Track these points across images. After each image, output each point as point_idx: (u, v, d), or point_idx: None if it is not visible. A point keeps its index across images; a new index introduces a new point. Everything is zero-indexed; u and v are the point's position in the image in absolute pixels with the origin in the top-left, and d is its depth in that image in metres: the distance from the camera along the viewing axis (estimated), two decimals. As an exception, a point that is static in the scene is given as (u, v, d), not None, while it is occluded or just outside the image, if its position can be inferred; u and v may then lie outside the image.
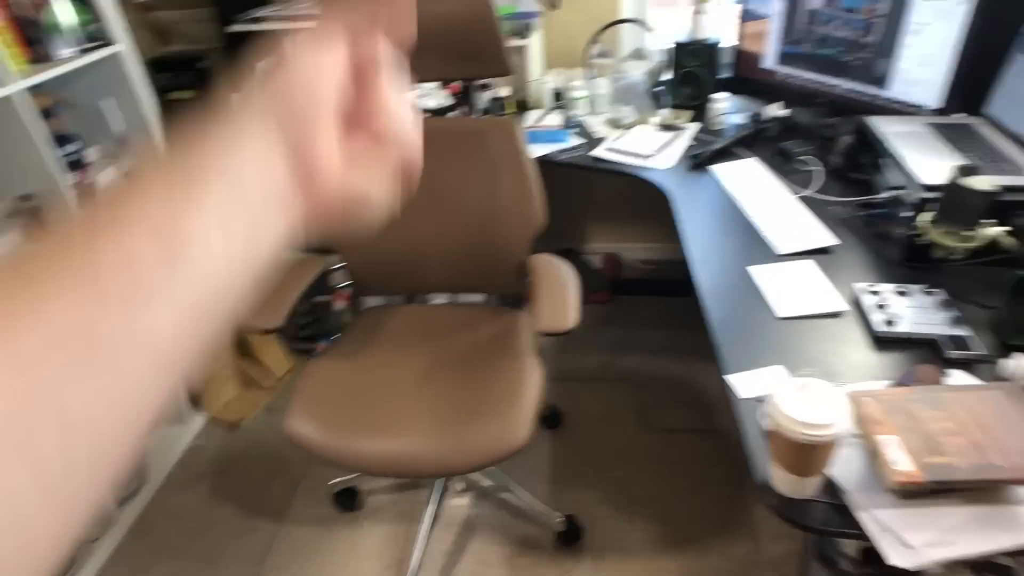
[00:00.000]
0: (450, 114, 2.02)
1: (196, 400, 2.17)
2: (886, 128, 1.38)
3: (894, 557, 0.75)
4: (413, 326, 1.67)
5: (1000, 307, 1.05)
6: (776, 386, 0.77)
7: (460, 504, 1.84)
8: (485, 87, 2.09)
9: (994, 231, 1.09)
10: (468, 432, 1.31)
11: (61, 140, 1.64)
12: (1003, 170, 1.19)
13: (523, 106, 2.16)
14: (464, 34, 1.36)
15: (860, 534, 0.79)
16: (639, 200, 2.56)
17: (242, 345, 2.26)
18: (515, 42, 2.03)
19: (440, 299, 2.08)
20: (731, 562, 1.64)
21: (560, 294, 1.34)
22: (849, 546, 1.25)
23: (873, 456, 0.78)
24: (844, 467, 0.84)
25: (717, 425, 1.99)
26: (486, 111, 2.04)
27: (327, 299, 2.34)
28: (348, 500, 1.85)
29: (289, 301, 1.44)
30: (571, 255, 1.50)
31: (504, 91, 2.10)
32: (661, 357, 2.28)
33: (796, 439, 0.74)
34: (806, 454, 0.75)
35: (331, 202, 0.27)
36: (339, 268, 1.67)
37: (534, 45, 2.12)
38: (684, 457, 1.91)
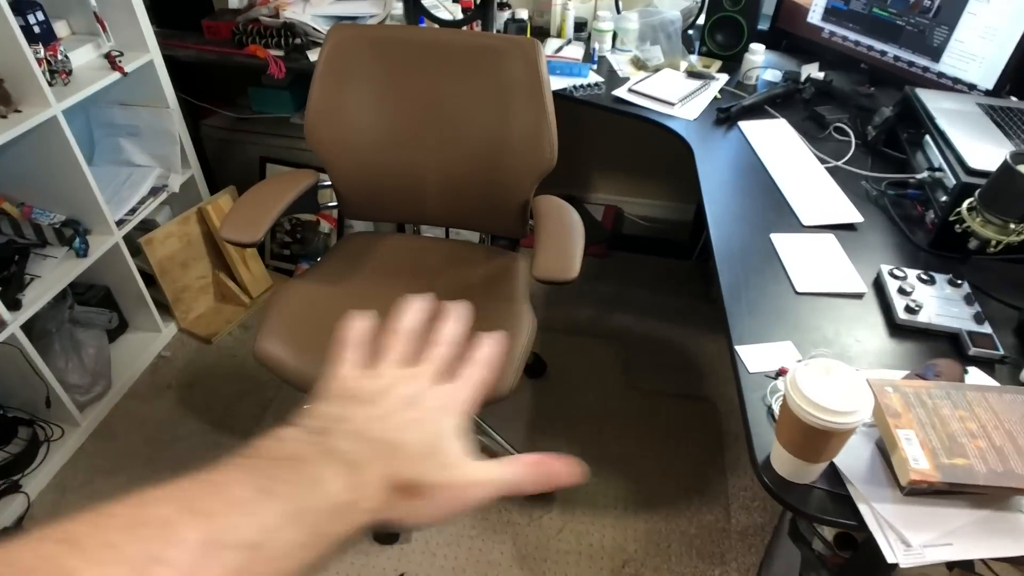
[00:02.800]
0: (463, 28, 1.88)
1: (168, 309, 2.08)
2: (934, 103, 1.28)
3: (891, 555, 0.70)
4: (401, 257, 1.58)
5: (1029, 307, 0.99)
6: (798, 366, 0.70)
7: (432, 443, 1.80)
8: (504, 6, 1.94)
9: (1037, 226, 1.01)
10: (450, 373, 1.24)
11: (20, 8, 1.49)
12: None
13: (542, 32, 2.02)
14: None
15: (858, 526, 0.74)
16: (647, 152, 2.45)
17: (220, 258, 2.17)
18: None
19: (431, 232, 1.99)
20: (699, 528, 1.62)
21: (564, 241, 1.25)
22: (825, 528, 1.22)
23: (891, 449, 0.72)
24: (849, 455, 0.78)
25: (702, 392, 1.95)
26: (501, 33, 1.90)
27: (312, 218, 2.24)
28: (318, 427, 1.80)
29: (272, 216, 1.34)
30: (571, 203, 1.41)
31: (523, 13, 1.95)
32: (652, 319, 2.22)
33: (812, 423, 0.67)
34: (819, 440, 0.69)
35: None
36: (328, 186, 1.56)
37: (561, -32, 1.97)
38: (665, 420, 1.88)
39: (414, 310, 0.43)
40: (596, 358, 2.07)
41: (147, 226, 1.98)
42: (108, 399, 1.88)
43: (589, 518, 1.64)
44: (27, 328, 1.58)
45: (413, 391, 0.37)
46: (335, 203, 1.59)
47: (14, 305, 1.53)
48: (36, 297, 1.58)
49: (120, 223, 1.81)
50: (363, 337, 0.41)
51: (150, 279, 2.00)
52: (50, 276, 1.64)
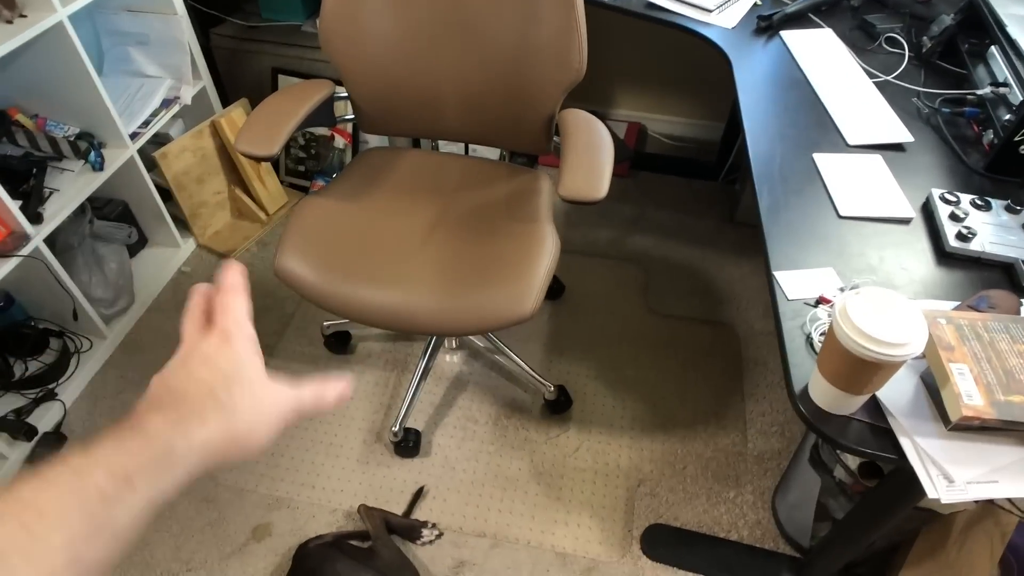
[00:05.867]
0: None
1: (186, 225, 2.06)
2: (1005, 8, 1.17)
3: (932, 490, 0.69)
4: (420, 173, 1.53)
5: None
6: (848, 294, 0.66)
7: (452, 360, 1.81)
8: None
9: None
10: (472, 294, 1.22)
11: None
12: None
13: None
14: None
15: (899, 459, 0.72)
16: (674, 65, 2.32)
17: (236, 173, 2.12)
18: None
19: (450, 148, 1.92)
20: (715, 451, 1.63)
21: (593, 158, 1.19)
22: (849, 456, 1.22)
23: (941, 383, 0.69)
24: (892, 387, 0.76)
25: (723, 318, 1.93)
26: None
27: (327, 133, 2.17)
28: (340, 343, 1.81)
29: (289, 127, 1.28)
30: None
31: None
32: (674, 241, 2.17)
33: (861, 355, 0.64)
34: (866, 372, 0.66)
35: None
36: (344, 98, 1.49)
37: None
38: (684, 345, 1.86)
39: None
40: (615, 280, 2.04)
41: (160, 140, 1.93)
42: (132, 313, 1.89)
43: (606, 438, 1.65)
44: (50, 242, 1.57)
45: (208, 350, 0.44)
46: (351, 116, 1.53)
47: (36, 219, 1.51)
48: (56, 211, 1.56)
49: (134, 136, 1.76)
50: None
51: (167, 194, 1.97)
52: (68, 190, 1.61)
